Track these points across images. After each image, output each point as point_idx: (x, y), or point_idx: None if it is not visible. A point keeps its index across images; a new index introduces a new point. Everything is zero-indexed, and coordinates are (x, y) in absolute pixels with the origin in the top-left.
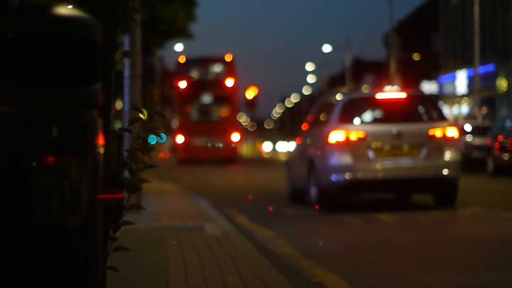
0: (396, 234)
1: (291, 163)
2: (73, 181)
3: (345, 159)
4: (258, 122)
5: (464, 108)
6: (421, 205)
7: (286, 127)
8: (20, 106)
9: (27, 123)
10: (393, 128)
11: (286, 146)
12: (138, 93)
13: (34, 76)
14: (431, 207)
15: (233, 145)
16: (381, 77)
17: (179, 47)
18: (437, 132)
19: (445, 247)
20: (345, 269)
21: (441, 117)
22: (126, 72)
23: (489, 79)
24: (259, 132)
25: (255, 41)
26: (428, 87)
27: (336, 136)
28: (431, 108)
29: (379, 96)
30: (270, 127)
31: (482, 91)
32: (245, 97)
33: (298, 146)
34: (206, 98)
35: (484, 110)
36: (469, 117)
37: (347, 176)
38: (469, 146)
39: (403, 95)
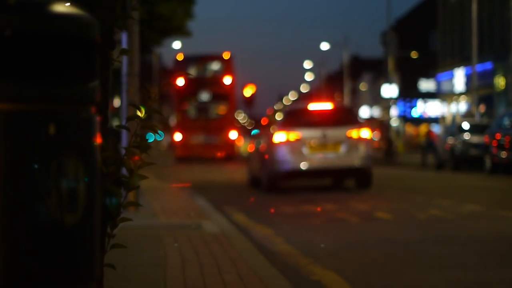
0: (394, 232)
1: (250, 158)
2: (70, 178)
3: (285, 154)
4: (256, 120)
5: (462, 106)
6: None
7: None
8: (17, 104)
9: (24, 121)
10: (320, 130)
11: None
12: (135, 90)
13: (31, 74)
14: (429, 205)
15: (230, 142)
16: (379, 75)
17: (177, 44)
18: (353, 133)
19: (443, 245)
20: (343, 267)
21: (357, 122)
22: (124, 70)
23: (487, 77)
24: None
25: (253, 39)
26: (426, 85)
27: (279, 137)
28: (350, 116)
29: (311, 107)
30: None
31: (480, 89)
32: (243, 95)
33: (255, 144)
34: (204, 96)
35: (482, 108)
36: (467, 115)
37: (287, 167)
38: (467, 144)
39: (329, 106)
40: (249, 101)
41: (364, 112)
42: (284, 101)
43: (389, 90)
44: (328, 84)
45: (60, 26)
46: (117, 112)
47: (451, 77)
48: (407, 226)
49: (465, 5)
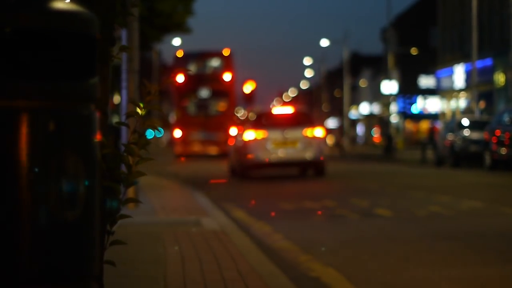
0: (394, 228)
1: (230, 151)
2: (70, 175)
3: (254, 149)
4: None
5: (461, 103)
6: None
7: None
8: (17, 100)
9: (24, 118)
10: (282, 130)
11: None
12: (135, 87)
13: (31, 71)
14: (429, 201)
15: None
16: (379, 71)
17: (177, 41)
18: (308, 133)
19: (443, 242)
20: (342, 263)
21: (312, 123)
22: (124, 67)
23: (487, 74)
24: None
25: (253, 35)
26: (426, 81)
27: (249, 135)
28: (306, 118)
29: (275, 111)
30: None
31: (479, 86)
32: (242, 91)
33: (235, 140)
34: (204, 93)
35: (482, 104)
36: (467, 112)
37: (255, 159)
38: (467, 141)
39: (290, 110)
40: (249, 97)
41: (364, 108)
42: (284, 97)
43: (389, 87)
44: (328, 81)
45: (60, 23)
46: (117, 109)
47: (451, 73)
48: (406, 223)
49: (465, 2)
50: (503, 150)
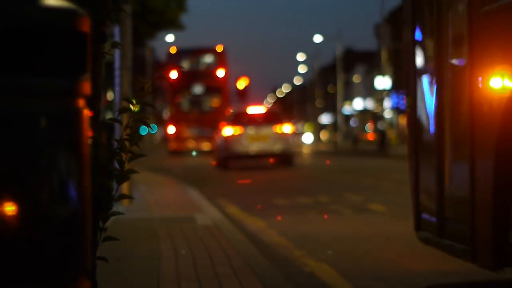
0: (388, 223)
1: (217, 145)
2: (60, 171)
3: (231, 143)
4: None
5: None
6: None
7: None
8: (5, 97)
9: (13, 115)
10: (255, 127)
11: None
12: (128, 84)
13: (19, 67)
14: None
15: None
16: (372, 67)
17: (170, 38)
18: (277, 129)
19: None
20: (336, 259)
21: (281, 121)
22: (117, 63)
23: None
24: None
25: (246, 32)
26: None
27: (228, 131)
28: (276, 116)
29: (249, 110)
30: None
31: None
32: (236, 87)
33: (219, 136)
34: (197, 89)
35: None
36: None
37: (232, 151)
38: None
39: (263, 109)
40: (243, 93)
41: (358, 104)
42: (278, 93)
43: (383, 82)
44: (322, 76)
45: (50, 18)
46: (110, 105)
47: None
48: (400, 218)
49: None
50: None
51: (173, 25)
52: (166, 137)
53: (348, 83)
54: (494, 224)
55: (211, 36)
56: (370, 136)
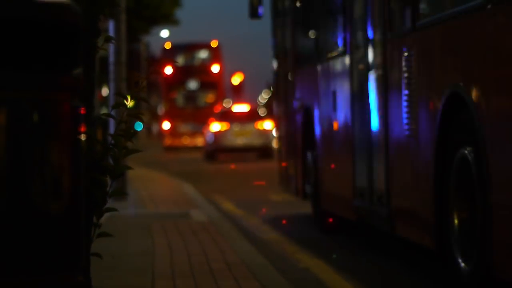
0: None
1: (206, 139)
2: (54, 167)
3: (219, 137)
4: None
5: None
6: None
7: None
8: None
9: (6, 109)
10: (240, 123)
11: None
12: (123, 79)
13: (13, 61)
14: None
15: None
16: None
17: (164, 33)
18: (259, 125)
19: None
20: (331, 254)
21: (262, 118)
22: (111, 59)
23: None
24: None
25: (241, 27)
26: None
27: (215, 127)
28: (259, 114)
29: (234, 108)
30: None
31: None
32: (231, 83)
33: (208, 131)
34: (192, 84)
35: None
36: None
37: (220, 145)
38: None
39: (246, 108)
40: (237, 89)
41: None
42: (272, 88)
43: None
44: None
45: (43, 13)
46: (105, 101)
47: None
48: None
49: None
50: None
51: (167, 20)
52: (161, 133)
53: None
54: None
55: (206, 31)
56: None
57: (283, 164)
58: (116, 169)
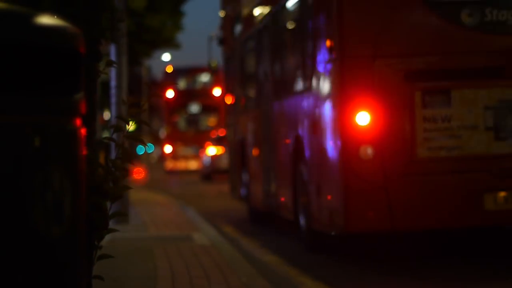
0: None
1: (202, 161)
2: (55, 191)
3: (215, 160)
4: None
5: None
6: None
7: None
8: (1, 115)
9: (8, 133)
10: None
11: None
12: (124, 103)
13: (14, 85)
14: None
15: None
16: None
17: (166, 56)
18: None
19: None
20: (332, 276)
21: None
22: (113, 83)
23: None
24: None
25: None
26: None
27: (211, 151)
28: None
29: None
30: None
31: None
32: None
33: (204, 154)
34: (194, 108)
35: None
36: None
37: (215, 167)
38: None
39: None
40: None
41: None
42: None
43: None
44: None
45: (45, 37)
46: (107, 124)
47: None
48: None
49: None
50: None
51: (169, 43)
52: (163, 156)
53: None
54: None
55: (207, 54)
56: None
57: (231, 177)
58: (115, 190)
